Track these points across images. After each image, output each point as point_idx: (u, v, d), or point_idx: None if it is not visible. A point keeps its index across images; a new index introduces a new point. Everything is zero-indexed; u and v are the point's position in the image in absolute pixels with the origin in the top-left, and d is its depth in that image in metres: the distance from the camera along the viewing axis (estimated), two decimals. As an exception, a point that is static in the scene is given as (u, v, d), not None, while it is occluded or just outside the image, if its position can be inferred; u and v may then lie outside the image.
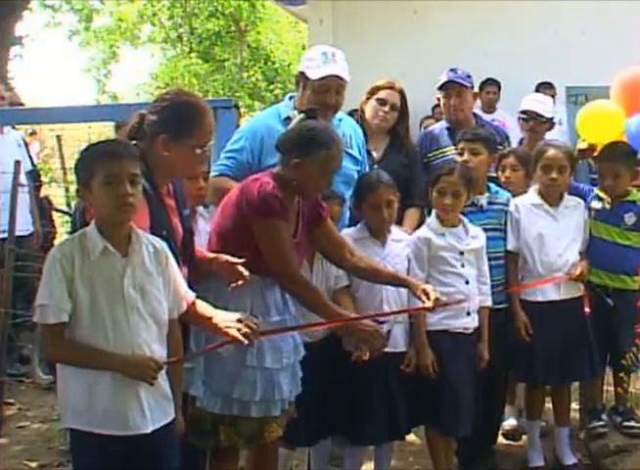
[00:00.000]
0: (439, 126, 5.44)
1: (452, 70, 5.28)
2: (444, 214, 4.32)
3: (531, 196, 4.73)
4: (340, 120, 4.47)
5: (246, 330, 3.20)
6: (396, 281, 4.00)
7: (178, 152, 3.31)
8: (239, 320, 3.23)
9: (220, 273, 3.54)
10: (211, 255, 3.60)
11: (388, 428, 4.19)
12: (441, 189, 4.30)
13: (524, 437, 5.09)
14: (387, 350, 4.04)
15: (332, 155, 3.66)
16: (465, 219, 4.39)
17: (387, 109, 4.94)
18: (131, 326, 2.94)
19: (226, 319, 3.24)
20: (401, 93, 5.02)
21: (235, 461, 3.81)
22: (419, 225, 4.59)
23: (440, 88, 5.26)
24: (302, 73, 4.34)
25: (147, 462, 3.01)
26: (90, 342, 2.90)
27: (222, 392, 3.56)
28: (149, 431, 2.97)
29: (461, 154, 4.67)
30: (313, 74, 4.27)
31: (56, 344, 2.92)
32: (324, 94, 4.26)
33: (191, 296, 3.25)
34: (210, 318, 3.27)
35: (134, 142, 3.32)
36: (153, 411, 3.00)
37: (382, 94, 4.95)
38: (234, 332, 3.19)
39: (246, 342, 3.20)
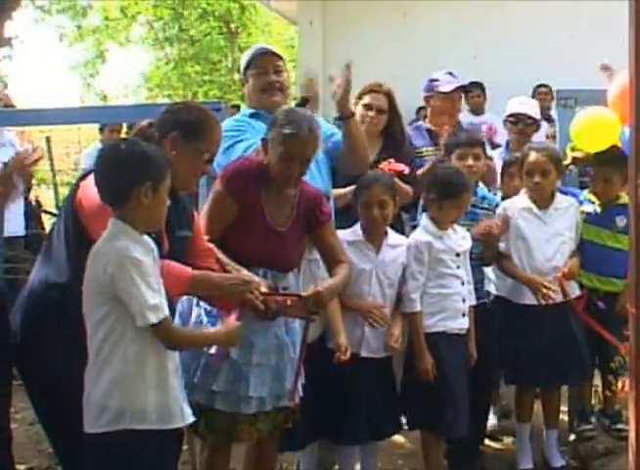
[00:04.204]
0: (418, 126, 5.43)
1: (450, 73, 5.28)
2: (445, 221, 4.33)
3: (521, 199, 4.72)
4: None
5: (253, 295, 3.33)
6: None
7: (185, 153, 3.34)
8: (245, 281, 3.36)
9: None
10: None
11: (368, 428, 4.18)
12: (459, 205, 4.31)
13: (510, 439, 5.11)
14: (367, 356, 4.16)
15: None
16: None
17: (373, 113, 4.85)
18: None
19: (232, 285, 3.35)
20: (388, 95, 4.91)
21: (226, 457, 3.79)
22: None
23: (448, 92, 5.22)
24: (244, 72, 4.41)
25: (176, 452, 3.13)
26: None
27: (186, 376, 3.54)
28: (192, 420, 3.06)
29: (461, 159, 4.61)
30: (247, 60, 4.38)
31: (178, 333, 3.00)
32: (264, 75, 4.30)
33: (188, 271, 3.28)
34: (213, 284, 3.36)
35: None
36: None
37: (366, 99, 4.87)
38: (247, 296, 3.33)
39: (261, 306, 3.34)
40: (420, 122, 5.55)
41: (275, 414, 3.73)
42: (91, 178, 3.03)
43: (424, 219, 4.40)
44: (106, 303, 2.89)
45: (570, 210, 4.75)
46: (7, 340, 3.40)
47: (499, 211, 4.69)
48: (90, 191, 3.04)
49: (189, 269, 3.28)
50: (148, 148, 3.03)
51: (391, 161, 4.54)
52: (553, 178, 4.66)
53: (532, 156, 4.63)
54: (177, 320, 3.67)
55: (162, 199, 3.01)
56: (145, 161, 2.96)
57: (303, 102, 4.07)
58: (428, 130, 5.28)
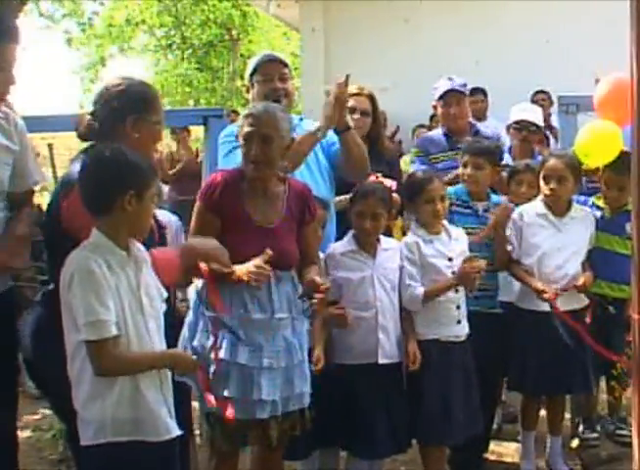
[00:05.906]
0: (437, 132, 5.50)
1: (450, 78, 5.33)
2: (435, 222, 4.32)
3: (537, 205, 4.67)
4: (300, 120, 4.51)
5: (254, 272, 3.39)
6: None
7: (147, 130, 3.37)
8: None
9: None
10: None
11: (391, 441, 4.15)
12: (429, 199, 4.28)
13: (514, 445, 5.10)
14: (384, 362, 4.10)
15: None
16: (445, 223, 4.38)
17: (356, 116, 4.88)
18: (151, 334, 2.96)
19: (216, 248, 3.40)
20: (370, 98, 4.98)
21: (234, 465, 3.78)
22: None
23: (440, 97, 5.28)
24: (250, 78, 4.44)
25: (175, 463, 3.05)
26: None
27: (196, 387, 3.56)
28: (179, 433, 3.00)
29: (465, 166, 4.66)
30: (253, 67, 4.41)
31: (114, 358, 2.82)
32: (270, 82, 4.33)
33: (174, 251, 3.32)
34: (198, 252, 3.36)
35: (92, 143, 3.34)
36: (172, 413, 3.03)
37: (350, 103, 4.81)
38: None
39: (254, 282, 3.40)
40: (438, 129, 5.59)
41: (283, 420, 3.70)
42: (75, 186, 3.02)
43: (412, 224, 4.41)
44: (70, 314, 2.86)
45: (585, 219, 4.70)
46: (14, 345, 3.41)
47: (514, 215, 4.65)
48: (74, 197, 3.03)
49: (174, 251, 3.32)
50: (132, 156, 3.00)
51: (379, 175, 4.53)
52: (570, 186, 4.60)
53: (551, 162, 4.60)
54: (185, 330, 3.69)
55: (147, 207, 2.97)
56: (129, 168, 2.93)
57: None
58: (445, 135, 5.37)
